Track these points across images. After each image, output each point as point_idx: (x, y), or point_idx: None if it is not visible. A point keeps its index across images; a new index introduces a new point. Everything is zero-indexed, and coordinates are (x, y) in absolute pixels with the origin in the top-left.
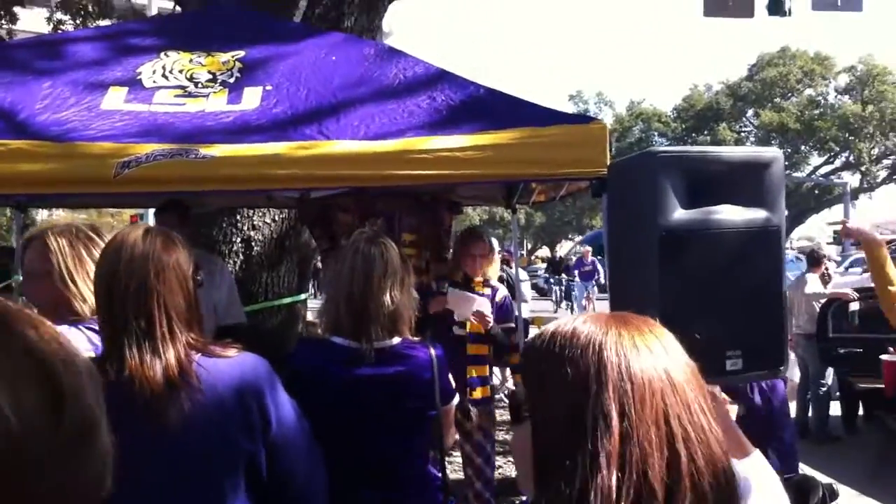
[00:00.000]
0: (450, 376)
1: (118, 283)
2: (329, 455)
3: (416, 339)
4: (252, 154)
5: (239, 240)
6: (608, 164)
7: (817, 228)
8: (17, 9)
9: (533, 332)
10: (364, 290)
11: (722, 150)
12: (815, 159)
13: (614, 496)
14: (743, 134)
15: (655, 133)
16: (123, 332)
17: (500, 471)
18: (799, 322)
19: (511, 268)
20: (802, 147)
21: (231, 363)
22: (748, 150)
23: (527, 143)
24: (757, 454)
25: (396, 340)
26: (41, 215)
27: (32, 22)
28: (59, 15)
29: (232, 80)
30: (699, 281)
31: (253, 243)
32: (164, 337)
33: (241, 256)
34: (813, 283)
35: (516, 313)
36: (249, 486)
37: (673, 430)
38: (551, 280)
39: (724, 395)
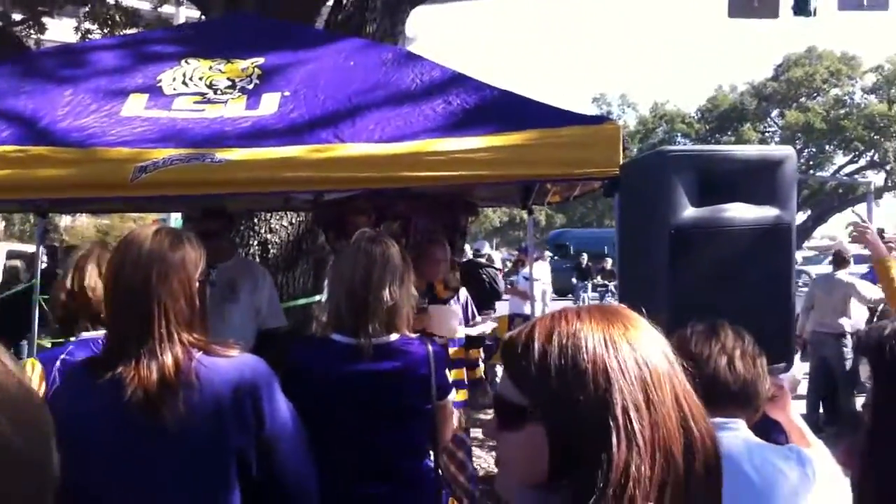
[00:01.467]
0: (447, 372)
1: (120, 283)
2: (327, 450)
3: (413, 335)
4: (267, 157)
5: (256, 242)
6: (620, 163)
7: (841, 227)
8: (45, 19)
9: None
10: (364, 285)
11: (733, 148)
12: (840, 159)
13: (649, 479)
14: (767, 134)
15: (679, 134)
16: (123, 333)
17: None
18: (826, 320)
19: (526, 268)
20: (827, 147)
21: (230, 362)
22: (759, 149)
23: (540, 143)
24: (819, 445)
25: (394, 337)
26: (64, 221)
27: (60, 32)
28: (86, 25)
29: (251, 87)
30: (709, 277)
31: (270, 246)
32: (161, 338)
33: (258, 259)
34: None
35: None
36: (241, 482)
37: (684, 411)
38: (579, 285)
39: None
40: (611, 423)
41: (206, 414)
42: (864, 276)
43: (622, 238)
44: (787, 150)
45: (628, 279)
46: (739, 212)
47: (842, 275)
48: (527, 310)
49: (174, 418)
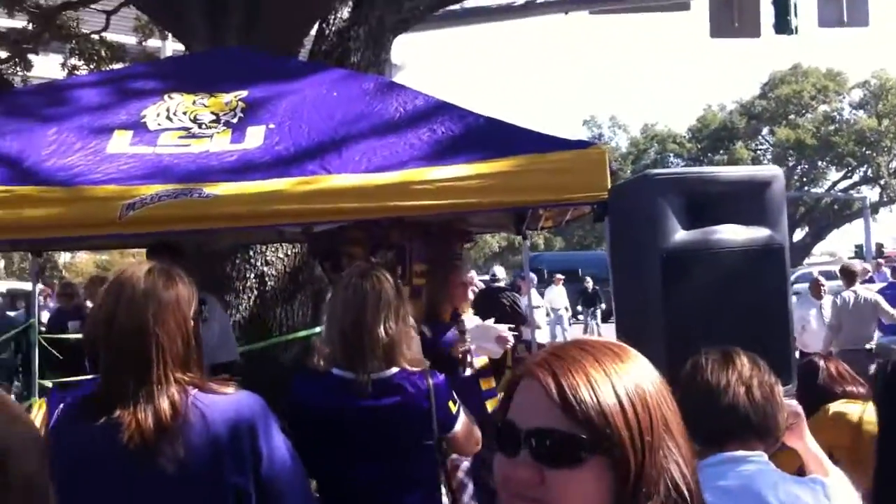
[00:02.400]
0: (450, 404)
1: (115, 325)
2: (326, 486)
3: (414, 368)
4: (254, 191)
5: (252, 275)
6: (608, 187)
7: (839, 243)
8: (31, 56)
9: None
10: (357, 325)
11: (720, 169)
12: (834, 174)
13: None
14: (759, 152)
15: (671, 154)
16: (119, 375)
17: None
18: (855, 338)
19: (523, 294)
20: (820, 163)
21: (227, 400)
22: (747, 169)
23: (527, 169)
24: (837, 472)
25: (394, 370)
26: (63, 258)
27: (47, 69)
28: (72, 61)
29: (235, 120)
30: (703, 300)
31: (266, 278)
32: (158, 380)
33: (255, 292)
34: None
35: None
36: None
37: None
38: (586, 313)
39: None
40: (674, 450)
41: (204, 453)
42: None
43: (614, 263)
44: (775, 170)
45: (622, 304)
46: (730, 233)
47: (863, 290)
48: (538, 336)
49: (171, 462)
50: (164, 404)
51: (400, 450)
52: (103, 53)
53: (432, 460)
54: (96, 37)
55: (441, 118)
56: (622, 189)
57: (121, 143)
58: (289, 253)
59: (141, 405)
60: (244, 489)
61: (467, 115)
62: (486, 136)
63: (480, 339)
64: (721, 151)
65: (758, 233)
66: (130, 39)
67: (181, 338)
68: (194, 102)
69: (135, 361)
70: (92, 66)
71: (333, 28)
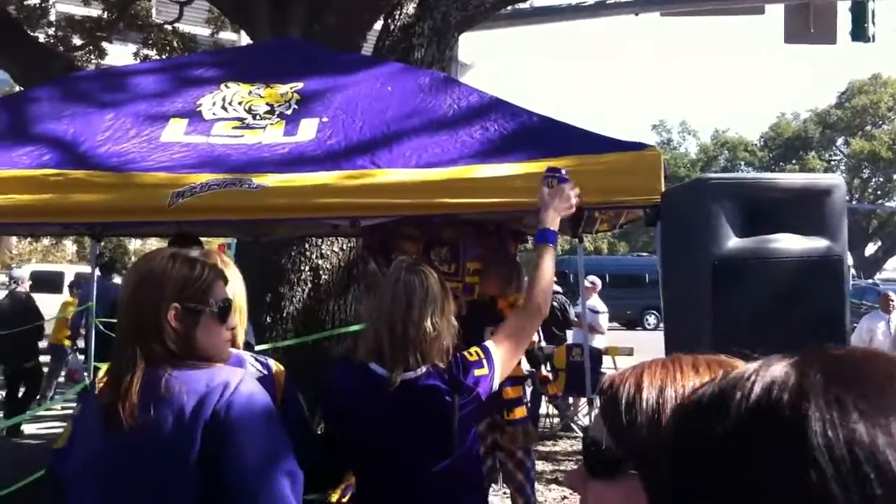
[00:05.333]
0: (475, 372)
1: (121, 306)
2: (362, 480)
3: (441, 364)
4: (302, 184)
5: (307, 268)
6: (662, 191)
7: None
8: (105, 45)
9: (607, 362)
10: (405, 318)
11: (778, 176)
12: None
13: None
14: (833, 162)
15: (742, 162)
16: (117, 355)
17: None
18: None
19: (586, 298)
20: (895, 175)
21: (202, 371)
22: (805, 177)
23: (579, 170)
24: None
25: (423, 370)
26: (133, 244)
27: (120, 58)
28: (145, 51)
29: (289, 112)
30: (755, 311)
31: (321, 271)
32: (146, 360)
33: (310, 284)
34: None
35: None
36: (206, 490)
37: None
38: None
39: None
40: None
41: (171, 424)
42: None
43: (665, 270)
44: (836, 179)
45: (671, 312)
46: (786, 243)
47: None
48: (592, 341)
49: (138, 429)
50: (135, 385)
51: (428, 444)
52: (175, 44)
53: (454, 453)
54: (169, 27)
55: (494, 116)
56: (675, 193)
57: (175, 131)
58: (344, 247)
59: (123, 385)
60: (210, 454)
61: (521, 114)
62: (539, 135)
63: None
64: (793, 161)
65: (815, 243)
66: (204, 31)
67: (175, 318)
68: (250, 93)
69: (132, 341)
70: (164, 56)
71: (398, 23)
